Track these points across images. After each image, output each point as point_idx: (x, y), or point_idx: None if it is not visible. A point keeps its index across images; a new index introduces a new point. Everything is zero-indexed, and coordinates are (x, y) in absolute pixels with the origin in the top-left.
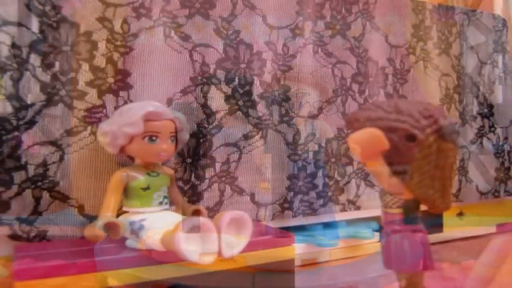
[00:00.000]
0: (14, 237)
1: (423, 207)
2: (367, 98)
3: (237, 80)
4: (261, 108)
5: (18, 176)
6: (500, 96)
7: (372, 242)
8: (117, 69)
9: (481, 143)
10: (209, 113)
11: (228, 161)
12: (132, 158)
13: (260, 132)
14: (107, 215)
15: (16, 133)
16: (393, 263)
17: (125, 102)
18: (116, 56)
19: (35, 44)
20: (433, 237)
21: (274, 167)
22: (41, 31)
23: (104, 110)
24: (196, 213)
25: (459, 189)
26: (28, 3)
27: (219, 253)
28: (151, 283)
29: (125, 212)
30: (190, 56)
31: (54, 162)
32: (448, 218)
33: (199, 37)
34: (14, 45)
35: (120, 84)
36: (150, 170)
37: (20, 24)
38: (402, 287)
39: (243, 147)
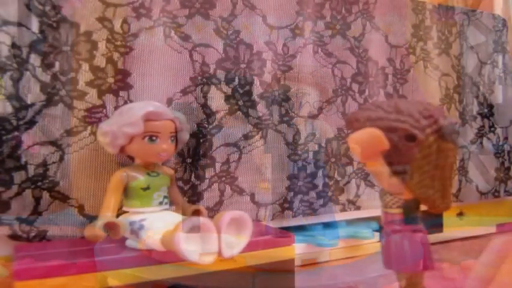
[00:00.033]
0: (14, 237)
1: (423, 207)
2: (367, 98)
3: (237, 80)
4: (261, 108)
5: (18, 176)
6: (500, 96)
7: (372, 242)
8: (117, 69)
9: (481, 143)
10: (209, 113)
11: (228, 161)
12: (132, 158)
13: (260, 132)
14: (107, 215)
15: (16, 133)
16: (393, 263)
17: (125, 102)
18: (116, 56)
19: (35, 44)
20: (433, 237)
21: (274, 167)
22: (41, 31)
23: (104, 110)
24: (196, 213)
25: (459, 189)
26: (28, 3)
27: (219, 253)
28: (151, 283)
29: (125, 212)
30: (190, 56)
31: (54, 162)
32: (448, 218)
33: (199, 37)
34: (14, 45)
35: (120, 84)
36: (150, 170)
37: (20, 24)
38: (402, 287)
39: (243, 147)
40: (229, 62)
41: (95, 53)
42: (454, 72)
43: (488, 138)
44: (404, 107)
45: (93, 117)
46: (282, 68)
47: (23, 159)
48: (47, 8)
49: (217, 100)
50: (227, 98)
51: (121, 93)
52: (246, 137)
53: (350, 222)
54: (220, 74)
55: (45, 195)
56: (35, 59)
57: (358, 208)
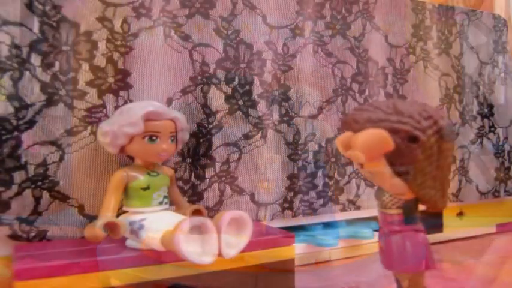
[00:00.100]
0: (14, 237)
1: (421, 207)
2: (367, 98)
3: (237, 79)
4: (261, 108)
5: (18, 176)
6: (501, 96)
7: (371, 242)
8: (117, 69)
9: (481, 143)
10: (209, 113)
11: (228, 160)
12: (132, 158)
13: (260, 132)
14: (107, 214)
15: (16, 133)
16: (395, 264)
17: (125, 102)
18: (116, 55)
19: (35, 43)
20: (433, 237)
21: (274, 166)
22: (41, 31)
23: (104, 110)
24: (196, 213)
25: (459, 189)
26: (28, 3)
27: (219, 253)
28: (152, 283)
29: (125, 211)
30: (190, 55)
31: (54, 162)
32: (448, 218)
33: (199, 37)
34: (14, 45)
35: (120, 84)
36: (150, 170)
37: (20, 24)
38: (404, 287)
39: (243, 147)
40: (229, 62)
41: (95, 52)
42: (454, 72)
43: (489, 138)
44: (404, 108)
45: (93, 117)
46: (282, 68)
47: (23, 159)
48: (47, 8)
49: (217, 100)
50: (227, 98)
51: (121, 93)
52: (246, 136)
53: (350, 222)
54: (220, 74)
55: (45, 195)
56: (35, 59)
57: (358, 208)
